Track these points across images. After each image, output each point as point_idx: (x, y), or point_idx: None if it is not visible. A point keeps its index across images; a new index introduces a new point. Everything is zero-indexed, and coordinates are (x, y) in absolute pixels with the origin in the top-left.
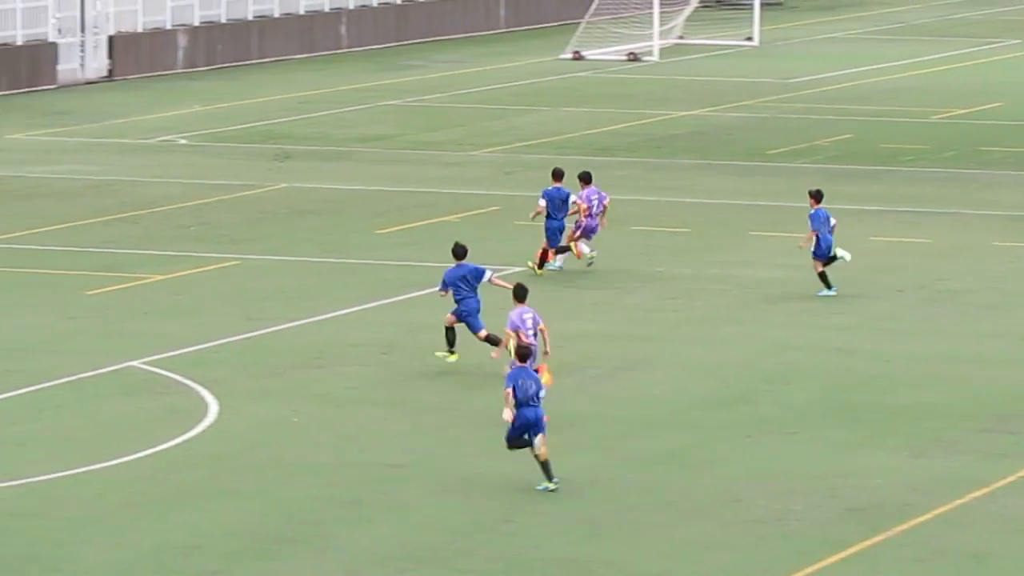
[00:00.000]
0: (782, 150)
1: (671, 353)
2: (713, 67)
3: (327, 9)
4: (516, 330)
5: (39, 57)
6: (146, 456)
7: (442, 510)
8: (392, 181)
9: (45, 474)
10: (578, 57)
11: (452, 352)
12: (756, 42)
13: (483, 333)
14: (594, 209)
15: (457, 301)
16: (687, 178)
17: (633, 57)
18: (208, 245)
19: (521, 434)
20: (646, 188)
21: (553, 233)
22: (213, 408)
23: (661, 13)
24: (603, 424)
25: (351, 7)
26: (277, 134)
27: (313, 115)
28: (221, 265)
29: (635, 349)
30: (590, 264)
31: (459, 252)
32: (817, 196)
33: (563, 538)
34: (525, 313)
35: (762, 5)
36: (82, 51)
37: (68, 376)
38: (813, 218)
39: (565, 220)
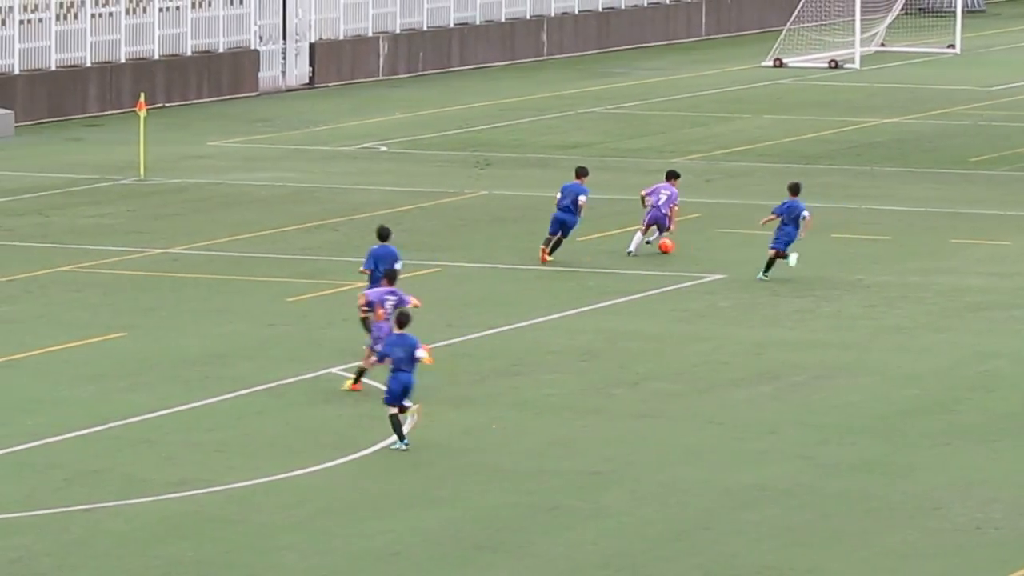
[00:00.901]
0: (984, 157)
1: (871, 361)
2: (915, 74)
3: (528, 16)
4: (376, 303)
5: (241, 64)
6: (345, 463)
7: (641, 517)
8: (593, 188)
9: (245, 480)
10: (779, 64)
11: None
12: (958, 50)
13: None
14: (658, 201)
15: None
16: (888, 185)
17: (835, 64)
18: (409, 252)
19: (399, 398)
20: (847, 195)
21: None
22: (412, 415)
23: (863, 20)
24: (803, 431)
25: (552, 14)
26: (478, 141)
27: (513, 122)
28: (422, 272)
29: (835, 357)
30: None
31: (383, 233)
32: (793, 189)
33: (763, 545)
34: (389, 295)
35: (964, 13)
36: (284, 58)
37: (268, 383)
38: (782, 207)
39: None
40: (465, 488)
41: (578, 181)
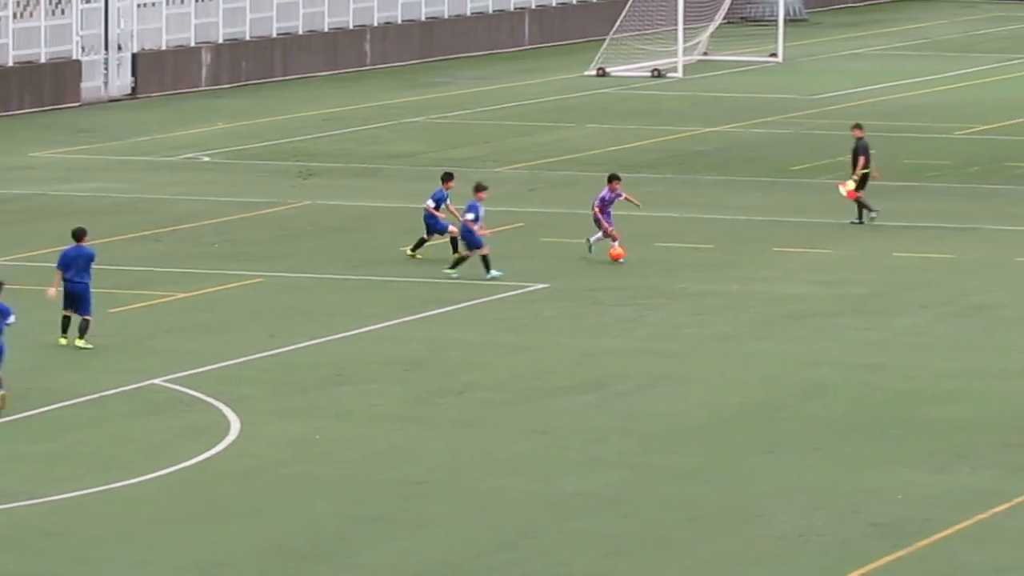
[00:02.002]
0: (806, 166)
1: (695, 369)
2: (737, 83)
3: (351, 26)
4: None
5: (63, 75)
6: (169, 474)
7: (466, 527)
8: (417, 198)
9: (68, 492)
10: (603, 74)
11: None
12: (780, 58)
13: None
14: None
15: (67, 280)
16: (711, 194)
17: (658, 73)
18: (232, 262)
19: None
20: (670, 204)
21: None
22: (236, 426)
23: (685, 29)
24: (628, 440)
25: (375, 24)
26: (301, 151)
27: (337, 132)
28: (245, 282)
29: (659, 365)
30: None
31: (78, 234)
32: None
33: (588, 554)
34: None
35: (786, 21)
36: (106, 69)
37: (92, 394)
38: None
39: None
40: (289, 499)
41: (450, 193)
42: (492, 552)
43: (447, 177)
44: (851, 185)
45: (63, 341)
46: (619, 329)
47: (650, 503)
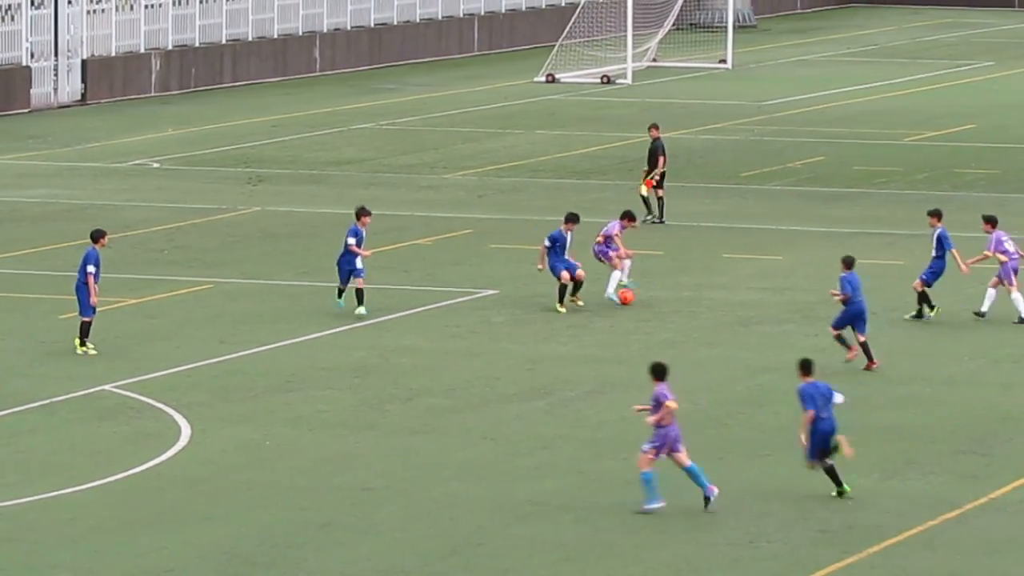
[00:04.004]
0: (756, 172)
1: (644, 376)
2: (686, 89)
3: (300, 32)
4: None
5: (12, 81)
6: (119, 480)
7: (415, 533)
8: (365, 204)
9: (17, 498)
10: (552, 80)
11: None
12: (729, 65)
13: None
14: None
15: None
16: None
17: (607, 80)
18: (181, 269)
19: None
20: (619, 211)
21: None
22: (186, 432)
23: (635, 36)
24: (577, 446)
25: (325, 31)
26: (250, 157)
27: (286, 138)
28: (194, 289)
29: (608, 372)
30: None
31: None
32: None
33: (537, 560)
34: None
35: (735, 28)
36: (55, 75)
37: (40, 400)
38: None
39: None
40: (238, 505)
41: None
42: (441, 558)
43: (571, 219)
44: (647, 185)
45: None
46: (568, 335)
47: (599, 509)
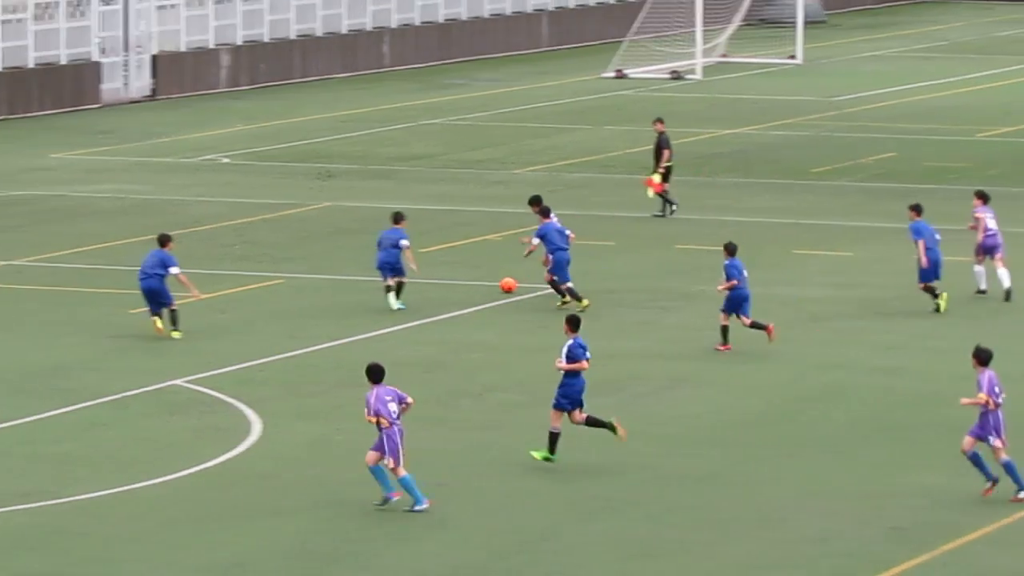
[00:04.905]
0: (826, 168)
1: (715, 372)
2: (756, 85)
3: (370, 28)
4: None
5: (83, 77)
6: (190, 475)
7: (485, 528)
8: (434, 200)
9: (89, 492)
10: (621, 75)
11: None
12: (799, 60)
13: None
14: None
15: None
16: (730, 196)
17: (676, 75)
18: (251, 264)
19: None
20: (689, 207)
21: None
22: (256, 427)
23: (704, 31)
24: (647, 443)
25: (394, 26)
26: (320, 153)
27: (355, 134)
28: (264, 284)
29: (678, 368)
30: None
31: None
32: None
33: (607, 556)
34: None
35: (805, 23)
36: (125, 70)
37: (112, 395)
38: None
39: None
40: (309, 500)
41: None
42: (512, 554)
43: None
44: (657, 179)
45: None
46: (638, 331)
47: (669, 506)
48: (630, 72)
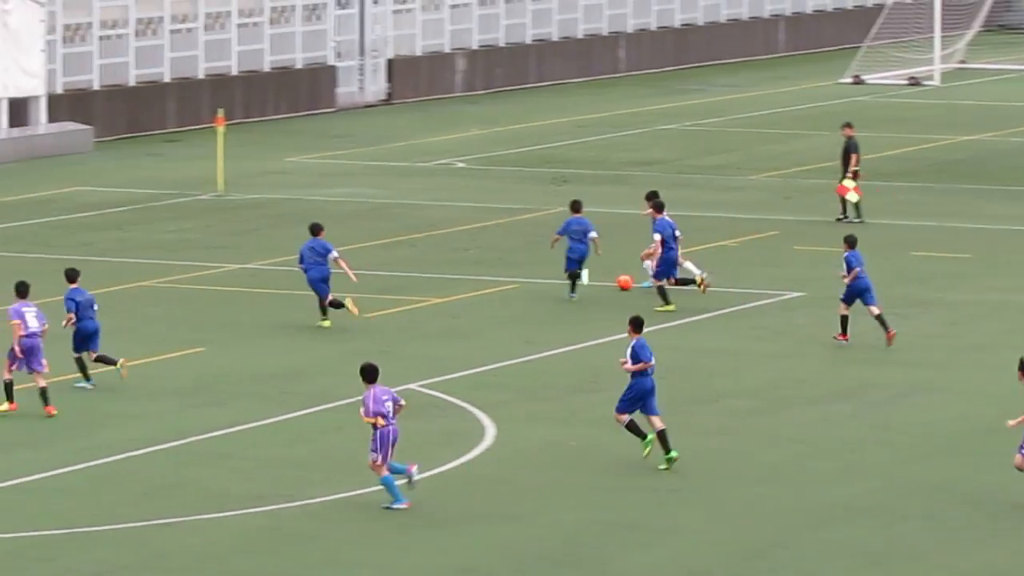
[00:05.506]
0: None
1: (950, 379)
2: (995, 91)
3: (605, 32)
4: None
5: (318, 80)
6: (424, 478)
7: (718, 535)
8: (669, 205)
9: (322, 496)
10: (858, 81)
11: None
12: None
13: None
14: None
15: (306, 270)
16: (969, 203)
17: (914, 81)
18: (486, 268)
19: None
20: (926, 213)
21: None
22: (491, 431)
23: (942, 37)
24: (883, 450)
25: (630, 31)
26: (554, 158)
27: (590, 139)
28: (499, 289)
29: (914, 375)
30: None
31: (314, 228)
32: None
33: (842, 564)
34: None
35: None
36: (361, 74)
37: (346, 398)
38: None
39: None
40: (542, 505)
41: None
42: (745, 560)
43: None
44: (849, 184)
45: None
46: (874, 338)
47: (903, 514)
48: (867, 78)
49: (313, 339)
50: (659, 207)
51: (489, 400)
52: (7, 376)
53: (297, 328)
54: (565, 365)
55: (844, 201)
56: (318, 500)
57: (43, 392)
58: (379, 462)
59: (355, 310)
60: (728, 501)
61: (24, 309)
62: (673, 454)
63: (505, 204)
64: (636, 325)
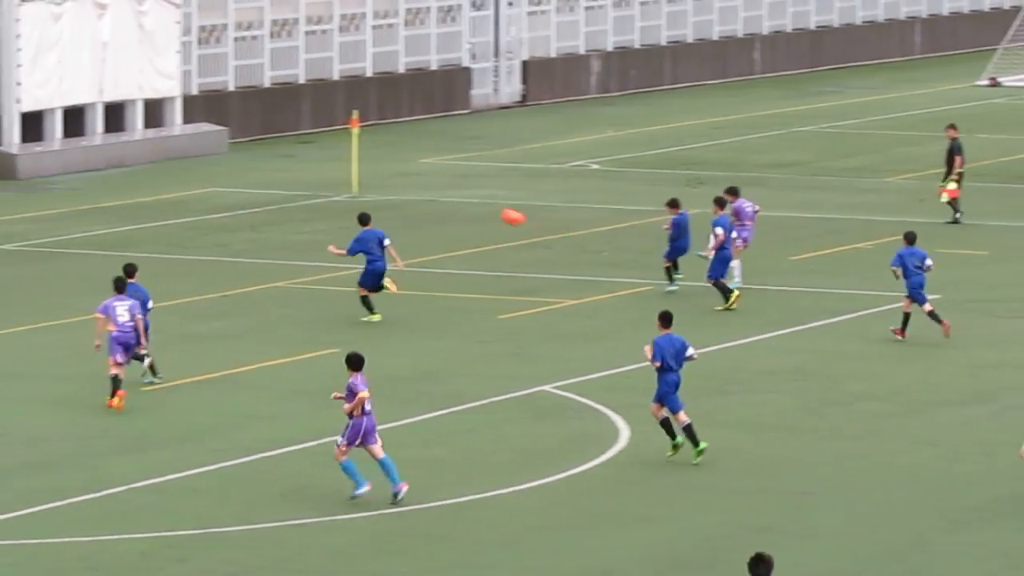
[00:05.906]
0: None
1: None
2: None
3: (740, 34)
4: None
5: (453, 82)
6: (558, 480)
7: (855, 538)
8: (805, 207)
9: (457, 497)
10: (995, 83)
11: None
12: None
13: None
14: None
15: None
16: None
17: None
18: (621, 270)
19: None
20: None
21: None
22: (625, 433)
23: None
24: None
25: (765, 33)
26: (689, 159)
27: (726, 140)
28: (634, 291)
29: None
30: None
31: (363, 219)
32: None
33: (980, 568)
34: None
35: None
36: (495, 76)
37: (480, 400)
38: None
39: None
40: (677, 507)
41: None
42: (881, 564)
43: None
44: (952, 186)
45: (376, 318)
46: (1012, 341)
47: None
48: (1004, 80)
49: (447, 340)
50: (723, 202)
51: (623, 402)
52: (113, 371)
53: (430, 329)
54: (699, 367)
55: (953, 202)
56: (452, 501)
57: (115, 379)
58: (343, 448)
59: (394, 288)
60: (864, 504)
61: (116, 303)
62: (703, 445)
63: (640, 206)
64: (665, 320)
